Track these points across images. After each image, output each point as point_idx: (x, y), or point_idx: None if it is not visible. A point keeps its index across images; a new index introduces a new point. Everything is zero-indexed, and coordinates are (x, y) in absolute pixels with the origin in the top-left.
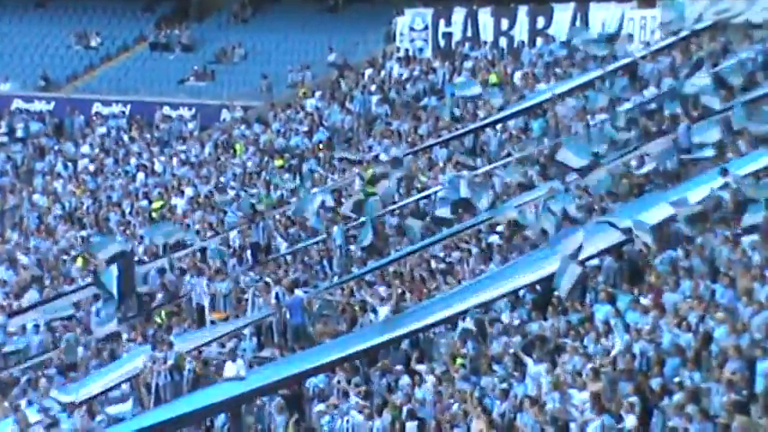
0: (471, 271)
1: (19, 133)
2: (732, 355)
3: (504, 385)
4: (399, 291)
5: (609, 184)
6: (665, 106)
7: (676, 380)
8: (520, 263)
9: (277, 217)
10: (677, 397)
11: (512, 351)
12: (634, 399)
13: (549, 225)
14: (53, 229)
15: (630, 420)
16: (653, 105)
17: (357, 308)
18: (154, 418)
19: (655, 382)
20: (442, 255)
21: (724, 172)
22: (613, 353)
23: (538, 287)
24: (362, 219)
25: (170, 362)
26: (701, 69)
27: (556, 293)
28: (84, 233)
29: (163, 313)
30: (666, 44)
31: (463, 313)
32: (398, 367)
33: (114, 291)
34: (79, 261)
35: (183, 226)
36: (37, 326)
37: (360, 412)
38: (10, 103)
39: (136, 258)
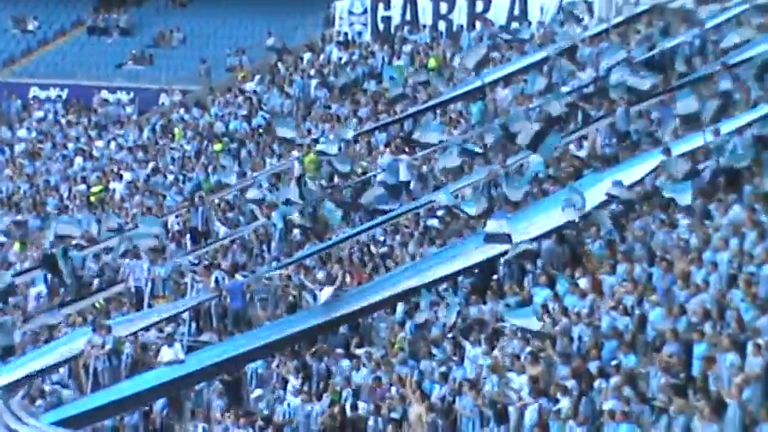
0: (411, 255)
1: None
2: (669, 338)
3: (443, 369)
4: (339, 275)
5: (542, 167)
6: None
7: (614, 363)
8: (458, 246)
9: (216, 201)
10: (614, 380)
11: (450, 335)
12: (571, 382)
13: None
14: None
15: (564, 402)
16: (591, 89)
17: (295, 292)
18: (92, 402)
19: (592, 366)
20: (381, 239)
21: (666, 151)
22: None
23: (476, 271)
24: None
25: (108, 346)
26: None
27: (494, 277)
28: (20, 217)
29: (101, 298)
30: (603, 29)
31: (400, 297)
32: (338, 351)
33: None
34: (17, 246)
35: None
36: None
37: (298, 396)
38: None
39: (74, 243)
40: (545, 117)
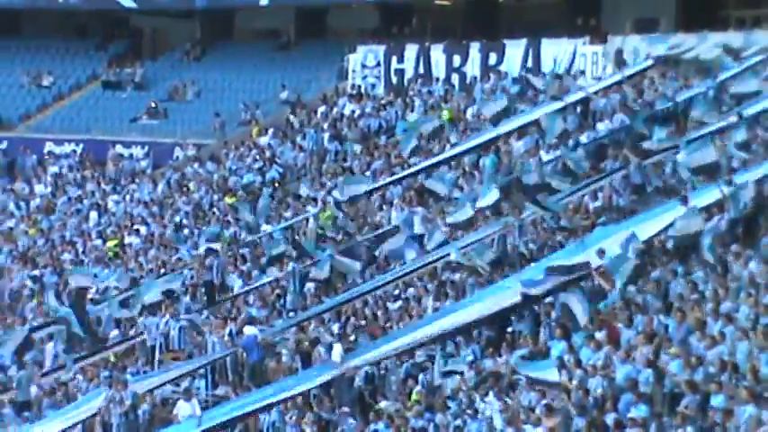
0: (426, 308)
1: None
2: (686, 389)
3: (458, 422)
4: (353, 328)
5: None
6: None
7: (630, 415)
8: (473, 299)
9: (230, 254)
10: None
11: (465, 388)
12: None
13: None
14: (6, 269)
15: None
16: (606, 141)
17: (310, 344)
18: None
19: (609, 418)
20: (396, 292)
21: (684, 200)
22: None
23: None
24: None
25: (127, 402)
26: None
27: (509, 330)
28: (36, 272)
29: (115, 352)
30: (617, 80)
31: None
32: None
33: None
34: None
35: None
36: None
37: None
38: None
39: (90, 297)
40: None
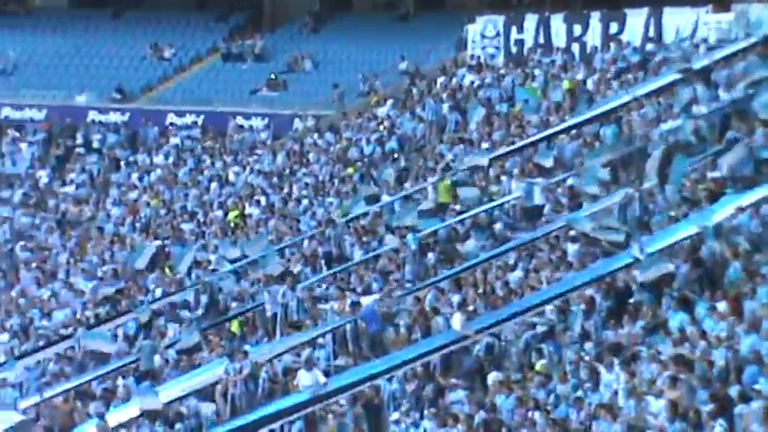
0: (546, 279)
1: (95, 145)
2: None
3: (579, 393)
4: (473, 298)
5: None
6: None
7: (756, 387)
8: (594, 269)
9: (350, 225)
10: (756, 404)
11: (586, 358)
12: (711, 406)
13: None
14: (129, 240)
15: (717, 430)
16: (729, 110)
17: (430, 315)
18: (230, 425)
19: (733, 390)
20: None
21: None
22: None
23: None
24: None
25: (246, 371)
26: None
27: (631, 300)
28: (158, 243)
29: (236, 323)
30: (741, 48)
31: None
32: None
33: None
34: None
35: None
36: (115, 335)
37: (433, 420)
38: (86, 115)
39: (210, 268)
40: (678, 141)
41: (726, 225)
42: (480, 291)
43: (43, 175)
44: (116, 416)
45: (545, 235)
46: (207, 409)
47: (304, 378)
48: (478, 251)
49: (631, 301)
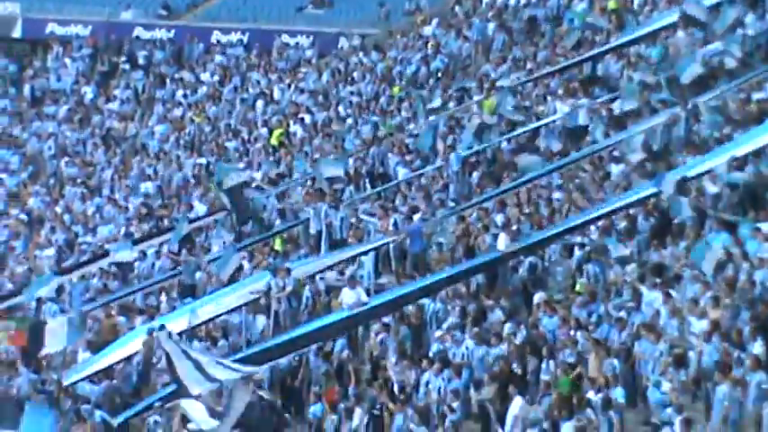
0: (589, 199)
1: (140, 61)
2: None
3: (622, 314)
4: (517, 218)
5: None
6: None
7: None
8: (634, 192)
9: (395, 144)
10: None
11: (629, 279)
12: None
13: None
14: (174, 157)
15: (757, 348)
16: None
17: (474, 235)
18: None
19: None
20: (560, 182)
21: None
22: None
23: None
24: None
25: (289, 288)
26: None
27: (675, 221)
28: (203, 160)
29: (279, 240)
30: None
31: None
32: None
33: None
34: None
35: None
36: (158, 252)
37: (474, 339)
38: (131, 31)
39: (255, 185)
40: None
41: None
42: (525, 210)
43: (88, 91)
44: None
45: (590, 154)
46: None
47: (347, 296)
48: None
49: (675, 222)
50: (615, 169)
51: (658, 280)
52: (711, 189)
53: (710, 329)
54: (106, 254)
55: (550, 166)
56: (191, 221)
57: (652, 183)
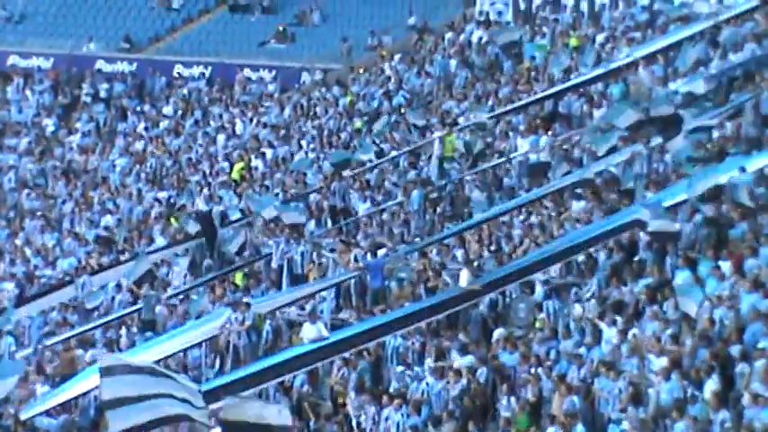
0: (549, 235)
1: (102, 94)
2: None
3: (581, 350)
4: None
5: (688, 150)
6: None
7: (759, 345)
8: (599, 226)
9: (355, 179)
10: (759, 363)
11: (589, 316)
12: (713, 364)
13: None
14: (134, 190)
15: (710, 385)
16: (737, 72)
17: (435, 272)
18: (232, 376)
19: (734, 349)
20: (521, 218)
21: None
22: None
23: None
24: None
25: (248, 323)
26: None
27: (635, 258)
28: (164, 194)
29: (240, 275)
30: (749, 7)
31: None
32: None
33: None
34: (172, 221)
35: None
36: (118, 285)
37: (434, 375)
38: (93, 64)
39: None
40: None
41: (731, 185)
42: (486, 247)
43: (50, 124)
44: None
45: (551, 192)
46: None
47: (308, 331)
48: (485, 206)
49: (636, 258)
50: (576, 206)
51: (618, 317)
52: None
53: (669, 367)
54: (65, 285)
55: (512, 202)
56: (149, 254)
57: (610, 219)
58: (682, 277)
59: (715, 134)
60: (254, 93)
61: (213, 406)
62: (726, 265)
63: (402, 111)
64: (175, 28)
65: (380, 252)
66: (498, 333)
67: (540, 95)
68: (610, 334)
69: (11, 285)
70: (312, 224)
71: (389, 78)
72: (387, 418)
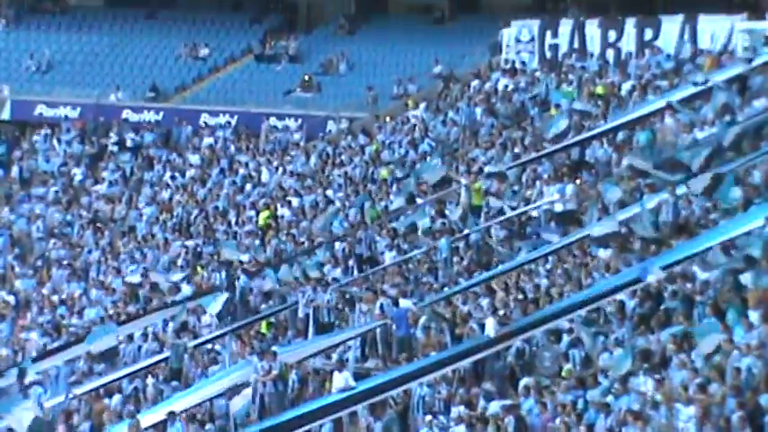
0: (576, 284)
1: (128, 143)
2: None
3: (609, 398)
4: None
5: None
6: None
7: None
8: (624, 275)
9: (382, 228)
10: None
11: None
12: (741, 414)
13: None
14: (161, 239)
15: None
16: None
17: (462, 320)
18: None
19: (764, 398)
20: (548, 267)
21: None
22: None
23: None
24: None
25: (274, 372)
26: None
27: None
28: (191, 243)
29: (265, 324)
30: None
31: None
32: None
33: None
34: (198, 270)
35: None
36: (145, 334)
37: (461, 424)
38: (120, 114)
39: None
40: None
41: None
42: (512, 295)
43: (77, 173)
44: (148, 417)
45: (577, 240)
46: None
47: (335, 380)
48: (512, 255)
49: (662, 307)
50: (603, 254)
51: (646, 365)
52: (701, 275)
53: (698, 416)
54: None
55: (539, 251)
56: (175, 303)
57: (638, 269)
58: (710, 325)
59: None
60: (279, 141)
61: None
62: (754, 315)
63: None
64: (201, 77)
65: (406, 301)
66: (525, 382)
67: (565, 143)
68: (637, 383)
69: (35, 335)
70: (338, 272)
71: (415, 126)
72: None
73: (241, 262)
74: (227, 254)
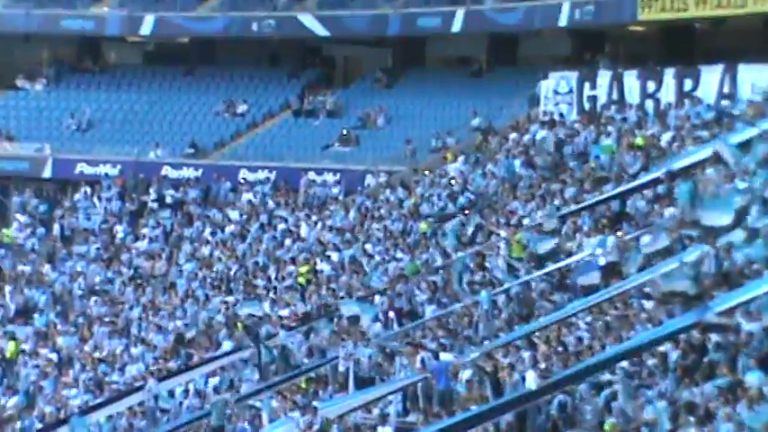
0: (619, 335)
1: (168, 200)
2: None
3: None
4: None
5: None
6: None
7: None
8: (668, 326)
9: (422, 282)
10: None
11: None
12: None
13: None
14: (202, 296)
15: None
16: None
17: (503, 373)
18: None
19: None
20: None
21: None
22: None
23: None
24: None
25: (316, 427)
26: None
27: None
28: (231, 299)
29: (304, 380)
30: None
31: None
32: None
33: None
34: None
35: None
36: (186, 390)
37: None
38: (159, 170)
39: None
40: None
41: None
42: (553, 348)
43: (118, 230)
44: None
45: (619, 293)
46: None
47: None
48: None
49: (706, 359)
50: (646, 305)
51: (691, 418)
52: (747, 327)
53: None
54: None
55: (581, 303)
56: (216, 358)
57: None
58: (754, 377)
59: None
60: (318, 196)
61: None
62: None
63: (467, 212)
64: (240, 133)
65: (448, 355)
66: None
67: (606, 195)
68: None
69: (74, 392)
70: (378, 326)
71: (453, 179)
72: None
73: (260, 318)
74: (248, 310)
